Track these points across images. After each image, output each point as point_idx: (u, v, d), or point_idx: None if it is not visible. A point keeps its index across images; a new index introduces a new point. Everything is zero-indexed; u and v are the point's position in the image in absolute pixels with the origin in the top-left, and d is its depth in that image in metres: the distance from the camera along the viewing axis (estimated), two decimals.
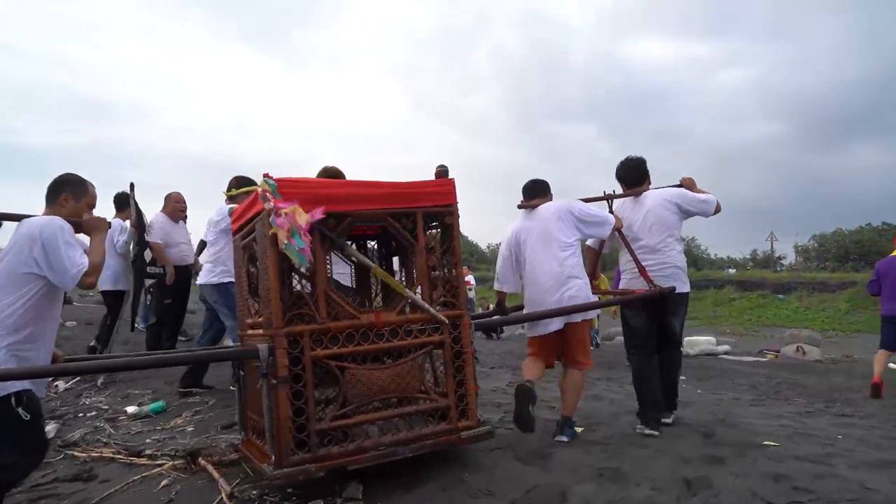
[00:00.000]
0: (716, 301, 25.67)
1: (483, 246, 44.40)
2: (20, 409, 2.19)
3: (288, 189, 2.46)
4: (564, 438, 3.25)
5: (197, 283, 4.87)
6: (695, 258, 39.55)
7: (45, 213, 2.45)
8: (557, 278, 3.29)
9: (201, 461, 2.87)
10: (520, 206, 3.58)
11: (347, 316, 2.56)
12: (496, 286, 3.70)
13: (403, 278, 2.99)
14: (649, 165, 3.86)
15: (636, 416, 3.59)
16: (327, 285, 2.55)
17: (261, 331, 2.65)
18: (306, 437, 2.40)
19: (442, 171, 3.04)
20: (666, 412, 3.66)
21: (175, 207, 5.67)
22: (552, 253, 3.32)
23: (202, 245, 5.73)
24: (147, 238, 5.36)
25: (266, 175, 2.47)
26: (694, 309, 24.20)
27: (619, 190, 3.86)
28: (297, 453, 2.38)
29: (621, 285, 3.85)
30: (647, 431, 3.43)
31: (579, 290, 3.31)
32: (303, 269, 2.42)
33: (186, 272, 5.76)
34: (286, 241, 2.31)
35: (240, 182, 4.36)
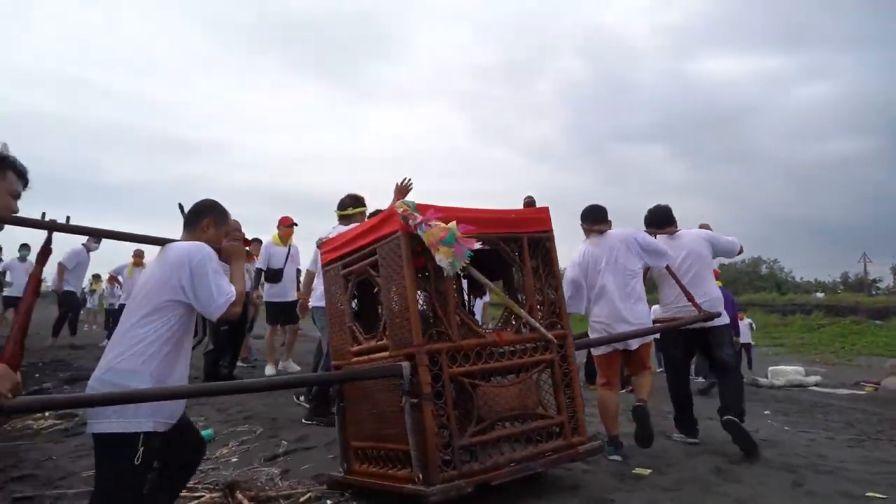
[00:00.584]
0: (803, 327, 23.87)
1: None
2: (141, 450, 2.02)
3: (423, 210, 2.56)
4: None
5: (310, 305, 4.81)
6: (778, 281, 38.11)
7: (185, 239, 2.39)
8: (629, 302, 3.53)
9: (238, 495, 2.77)
10: (590, 230, 3.81)
11: (473, 335, 2.64)
12: (569, 308, 3.88)
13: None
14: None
15: (674, 423, 4.05)
16: (456, 304, 2.63)
17: (380, 354, 2.66)
18: (450, 453, 2.42)
19: (530, 202, 3.23)
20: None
21: (232, 236, 5.67)
22: (623, 279, 3.56)
23: (306, 274, 5.60)
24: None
25: (398, 198, 2.57)
26: (780, 335, 23.21)
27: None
28: (444, 470, 2.38)
29: (664, 314, 4.14)
30: (689, 440, 3.91)
31: (647, 313, 3.59)
32: (452, 273, 2.46)
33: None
34: (447, 253, 2.38)
35: (355, 201, 4.32)
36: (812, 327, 23.68)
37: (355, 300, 3.03)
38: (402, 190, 3.36)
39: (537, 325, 2.80)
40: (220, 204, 2.50)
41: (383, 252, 2.65)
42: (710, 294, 3.94)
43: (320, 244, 3.15)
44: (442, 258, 2.42)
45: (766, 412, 5.72)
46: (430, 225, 2.45)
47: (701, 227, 4.23)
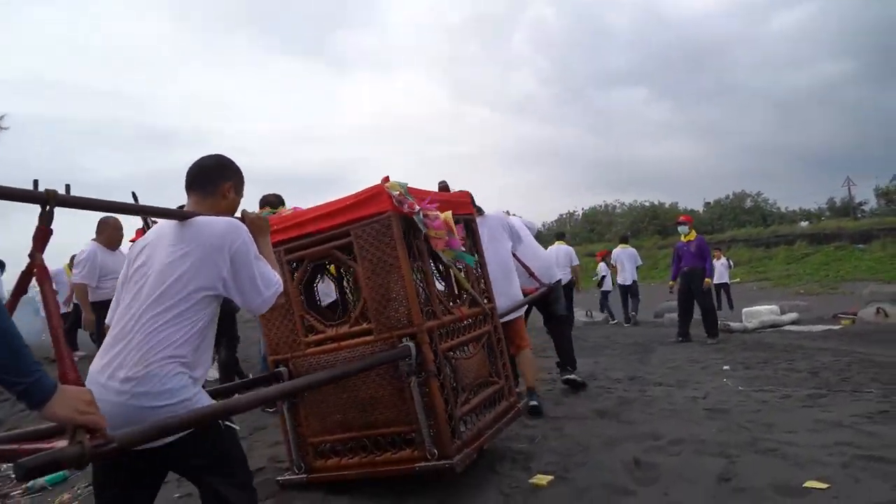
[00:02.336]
0: (787, 258, 23.23)
1: (539, 224, 36.19)
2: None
3: (418, 197, 2.56)
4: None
5: None
6: (763, 214, 35.98)
7: (197, 208, 1.89)
8: (502, 273, 4.07)
9: None
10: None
11: (447, 312, 2.76)
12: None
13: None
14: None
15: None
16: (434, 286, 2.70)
17: (355, 340, 2.58)
18: (453, 425, 2.52)
19: (444, 186, 3.37)
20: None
21: (113, 235, 5.16)
22: (499, 252, 4.09)
23: None
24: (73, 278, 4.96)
25: (387, 178, 2.52)
26: (765, 269, 22.55)
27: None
28: (453, 442, 2.48)
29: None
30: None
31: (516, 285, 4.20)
32: (458, 265, 2.54)
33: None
34: (447, 246, 2.44)
35: (280, 199, 4.10)
36: (796, 257, 23.17)
37: (306, 287, 2.80)
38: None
39: (480, 300, 3.05)
40: (237, 165, 2.03)
41: (363, 233, 2.56)
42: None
43: None
44: (446, 254, 2.50)
45: (726, 367, 5.62)
46: (428, 216, 2.49)
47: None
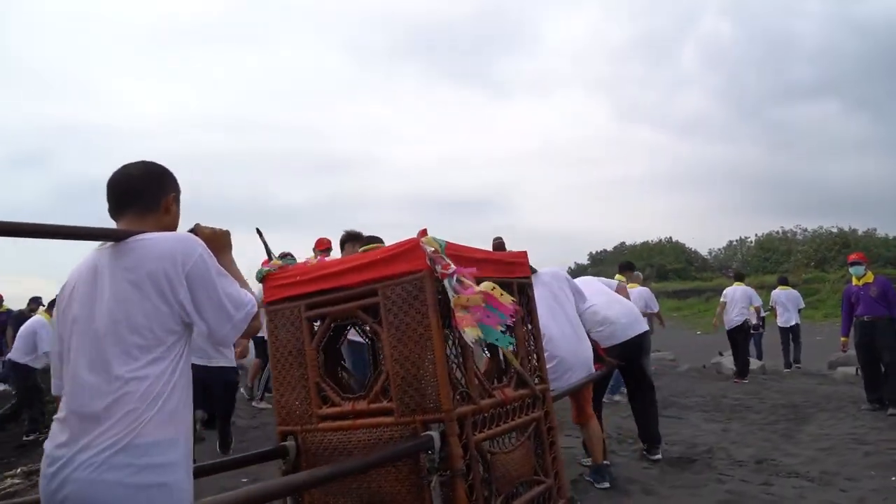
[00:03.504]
0: None
1: (704, 252, 36.45)
2: None
3: (456, 258, 2.17)
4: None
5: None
6: None
7: (135, 227, 1.59)
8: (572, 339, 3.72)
9: None
10: None
11: (486, 394, 2.31)
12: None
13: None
14: None
15: None
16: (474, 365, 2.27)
17: (373, 420, 2.17)
18: None
19: (499, 244, 2.97)
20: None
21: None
22: (567, 314, 3.76)
23: None
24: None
25: (424, 232, 2.14)
26: None
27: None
28: None
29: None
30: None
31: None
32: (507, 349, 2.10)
33: None
34: (478, 327, 2.01)
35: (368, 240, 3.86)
36: None
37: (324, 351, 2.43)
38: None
39: (530, 380, 2.58)
40: (168, 168, 1.74)
41: (392, 293, 2.17)
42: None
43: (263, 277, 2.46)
44: (469, 333, 2.04)
45: None
46: (462, 283, 2.07)
47: None
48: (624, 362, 4.15)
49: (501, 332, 2.05)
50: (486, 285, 2.06)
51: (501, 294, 2.10)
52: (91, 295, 1.53)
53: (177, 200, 1.72)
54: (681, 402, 7.00)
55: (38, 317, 6.95)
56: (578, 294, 3.83)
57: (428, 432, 2.01)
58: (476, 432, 2.16)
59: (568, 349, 3.65)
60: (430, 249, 2.10)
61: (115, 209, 1.65)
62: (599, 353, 4.01)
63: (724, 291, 9.56)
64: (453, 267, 2.07)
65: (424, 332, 2.09)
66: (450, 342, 2.21)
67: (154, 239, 1.55)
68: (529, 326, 2.78)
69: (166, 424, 1.45)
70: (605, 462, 3.77)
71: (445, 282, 2.07)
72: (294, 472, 2.33)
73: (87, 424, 1.42)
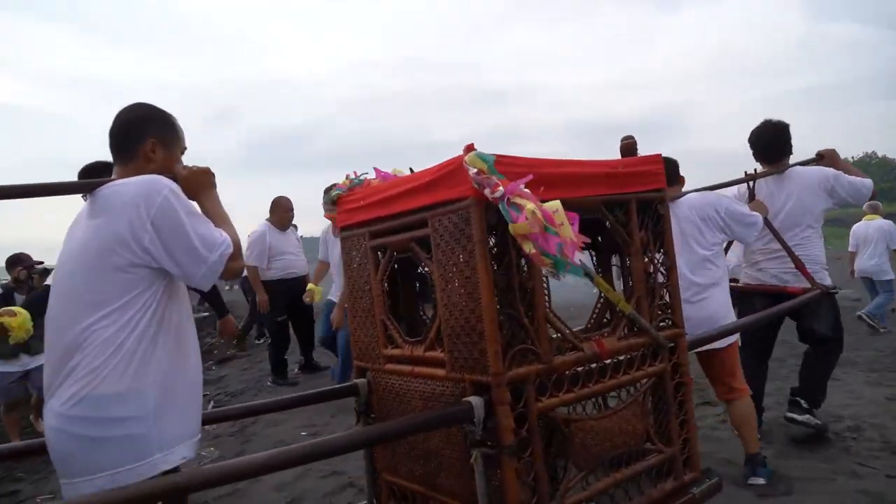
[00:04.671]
0: None
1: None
2: None
3: (506, 168, 1.67)
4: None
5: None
6: None
7: (121, 175, 1.55)
8: (693, 285, 2.89)
9: None
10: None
11: (566, 347, 1.84)
12: None
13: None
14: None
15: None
16: (545, 304, 1.79)
17: (429, 370, 1.86)
18: None
19: (630, 145, 2.30)
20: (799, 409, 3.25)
21: (283, 216, 5.43)
22: (692, 258, 2.92)
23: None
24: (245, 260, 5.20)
25: (471, 147, 1.66)
26: None
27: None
28: None
29: (743, 280, 3.39)
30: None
31: (724, 302, 2.93)
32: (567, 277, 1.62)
33: (297, 284, 5.47)
34: (542, 250, 1.52)
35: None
36: None
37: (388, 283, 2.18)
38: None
39: (647, 325, 1.99)
40: (160, 110, 1.62)
41: (440, 225, 1.78)
42: (815, 259, 3.20)
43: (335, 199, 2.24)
44: (543, 267, 1.56)
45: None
46: (519, 204, 1.56)
47: (822, 155, 3.31)
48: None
49: (564, 259, 1.53)
50: (550, 205, 1.55)
51: (562, 223, 1.56)
52: (67, 247, 1.50)
53: (163, 145, 1.61)
54: (844, 357, 5.35)
55: None
56: (736, 221, 2.89)
57: (469, 398, 1.65)
58: (546, 397, 1.73)
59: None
60: (473, 171, 1.63)
61: (113, 161, 1.60)
62: (787, 290, 3.07)
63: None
64: (502, 188, 1.58)
65: (472, 275, 1.68)
66: (516, 283, 1.75)
67: (116, 187, 1.48)
68: (659, 255, 2.14)
69: (130, 376, 1.41)
70: (759, 452, 2.94)
71: (500, 206, 1.60)
72: (366, 410, 2.19)
73: (55, 375, 1.44)
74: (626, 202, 2.01)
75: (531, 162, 1.77)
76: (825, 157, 3.27)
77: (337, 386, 2.29)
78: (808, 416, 3.14)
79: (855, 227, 7.61)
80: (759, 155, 3.26)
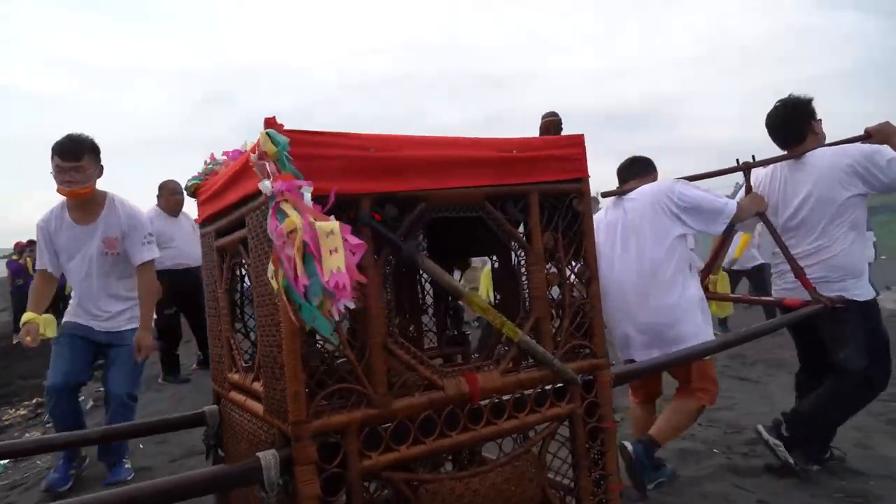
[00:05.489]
0: None
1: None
2: None
3: (312, 149, 1.25)
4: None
5: None
6: None
7: None
8: (644, 287, 2.44)
9: None
10: (605, 195, 2.72)
11: (420, 383, 1.40)
12: None
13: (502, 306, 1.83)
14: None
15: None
16: (385, 329, 1.36)
17: (256, 404, 1.47)
18: None
19: (553, 122, 1.83)
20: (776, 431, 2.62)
21: (169, 200, 4.94)
22: (640, 251, 2.47)
23: None
24: None
25: (271, 122, 1.24)
26: None
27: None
28: None
29: (775, 294, 2.79)
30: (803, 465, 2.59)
31: (677, 308, 2.37)
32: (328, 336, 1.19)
33: (189, 276, 4.96)
34: (286, 281, 1.09)
35: None
36: None
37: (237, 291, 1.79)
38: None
39: (546, 354, 1.53)
40: None
41: (254, 224, 1.38)
42: (838, 262, 2.54)
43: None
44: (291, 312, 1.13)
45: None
46: (283, 210, 1.13)
47: (870, 132, 2.57)
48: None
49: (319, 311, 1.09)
50: (324, 226, 1.11)
51: (335, 249, 1.11)
52: None
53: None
54: (774, 357, 4.90)
55: None
56: (693, 208, 2.41)
57: (262, 453, 1.25)
58: (376, 453, 1.30)
59: (620, 306, 2.52)
60: (254, 157, 1.21)
61: None
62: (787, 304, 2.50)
63: None
64: (269, 185, 1.15)
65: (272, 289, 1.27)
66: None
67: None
68: (574, 265, 1.67)
69: None
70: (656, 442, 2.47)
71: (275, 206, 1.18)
72: (216, 443, 1.82)
73: None
74: (524, 195, 1.56)
75: (366, 143, 1.34)
76: (875, 136, 2.57)
77: (184, 414, 1.93)
78: (779, 442, 2.53)
79: None
80: (775, 139, 2.68)
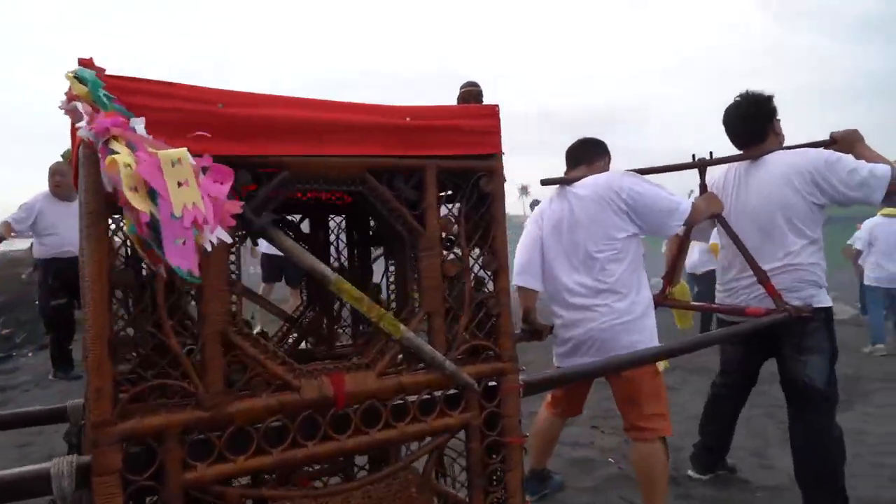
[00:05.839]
0: None
1: None
2: None
3: (139, 99, 1.05)
4: None
5: None
6: None
7: None
8: (586, 295, 2.23)
9: None
10: (544, 182, 2.48)
11: (271, 383, 1.19)
12: (516, 280, 2.40)
13: (394, 298, 1.63)
14: None
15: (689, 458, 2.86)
16: (226, 314, 1.15)
17: None
18: None
19: (472, 93, 1.62)
20: None
21: (51, 182, 4.41)
22: (582, 254, 2.26)
23: None
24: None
25: (85, 62, 1.04)
26: None
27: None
28: None
29: (719, 300, 2.60)
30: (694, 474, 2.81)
31: (626, 314, 2.12)
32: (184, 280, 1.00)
33: (76, 264, 4.66)
34: (132, 227, 0.90)
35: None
36: None
37: None
38: None
39: (435, 354, 1.32)
40: None
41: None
42: (798, 272, 2.34)
43: None
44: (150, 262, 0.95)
45: None
46: (113, 147, 0.93)
47: (834, 138, 2.37)
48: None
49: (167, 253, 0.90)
50: (169, 154, 0.92)
51: (184, 182, 0.92)
52: None
53: None
54: (698, 362, 4.91)
55: None
56: (643, 205, 2.18)
57: (55, 460, 1.04)
58: (207, 463, 1.10)
59: (559, 312, 2.34)
60: (63, 104, 1.02)
61: None
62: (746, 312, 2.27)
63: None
64: (85, 125, 0.96)
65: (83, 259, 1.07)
66: (162, 281, 1.12)
67: None
68: (479, 251, 1.46)
69: None
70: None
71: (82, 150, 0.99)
72: (79, 441, 1.62)
73: None
74: (419, 170, 1.35)
75: (212, 96, 1.13)
76: (839, 142, 2.37)
77: (41, 408, 1.72)
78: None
79: (870, 223, 6.41)
80: (733, 139, 2.47)
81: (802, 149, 2.34)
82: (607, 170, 2.39)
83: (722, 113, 2.50)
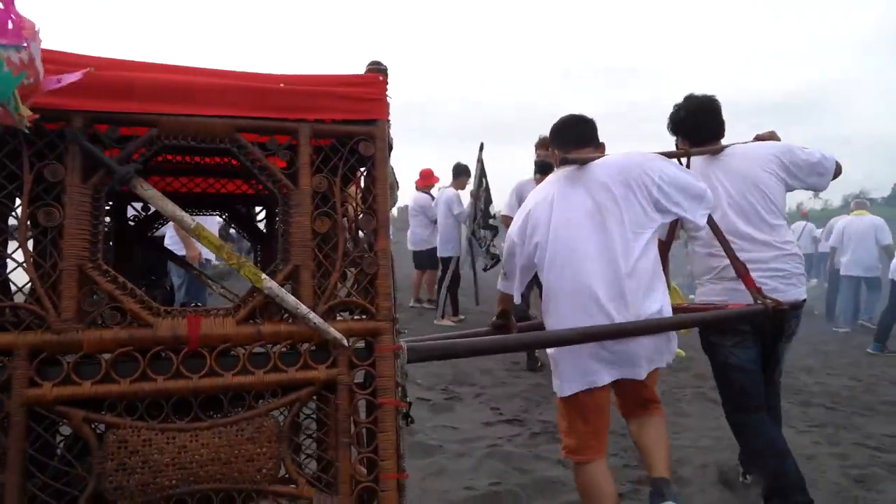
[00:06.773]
0: None
1: None
2: None
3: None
4: None
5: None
6: None
7: None
8: (621, 285, 1.95)
9: None
10: (564, 162, 2.13)
11: (128, 319, 1.29)
12: (500, 285, 2.33)
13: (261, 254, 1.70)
14: None
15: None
16: (86, 252, 1.27)
17: None
18: None
19: (377, 70, 1.67)
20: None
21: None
22: (613, 241, 1.98)
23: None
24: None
25: None
26: None
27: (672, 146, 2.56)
28: None
29: (698, 298, 2.46)
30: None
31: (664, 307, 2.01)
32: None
33: None
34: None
35: None
36: None
37: None
38: None
39: (298, 306, 1.35)
40: None
41: None
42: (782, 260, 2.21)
43: None
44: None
45: None
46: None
47: (761, 138, 2.47)
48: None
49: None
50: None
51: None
52: None
53: None
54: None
55: None
56: (680, 189, 2.00)
57: None
58: (51, 383, 1.19)
59: (579, 307, 1.97)
60: None
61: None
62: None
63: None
64: None
65: None
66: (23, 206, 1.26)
67: None
68: (356, 209, 1.49)
69: None
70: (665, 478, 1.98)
71: None
72: None
73: None
74: (292, 132, 1.42)
75: (84, 61, 1.29)
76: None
77: None
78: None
79: (843, 221, 7.33)
80: (690, 137, 2.43)
81: (756, 143, 2.39)
82: (604, 153, 2.24)
83: None
